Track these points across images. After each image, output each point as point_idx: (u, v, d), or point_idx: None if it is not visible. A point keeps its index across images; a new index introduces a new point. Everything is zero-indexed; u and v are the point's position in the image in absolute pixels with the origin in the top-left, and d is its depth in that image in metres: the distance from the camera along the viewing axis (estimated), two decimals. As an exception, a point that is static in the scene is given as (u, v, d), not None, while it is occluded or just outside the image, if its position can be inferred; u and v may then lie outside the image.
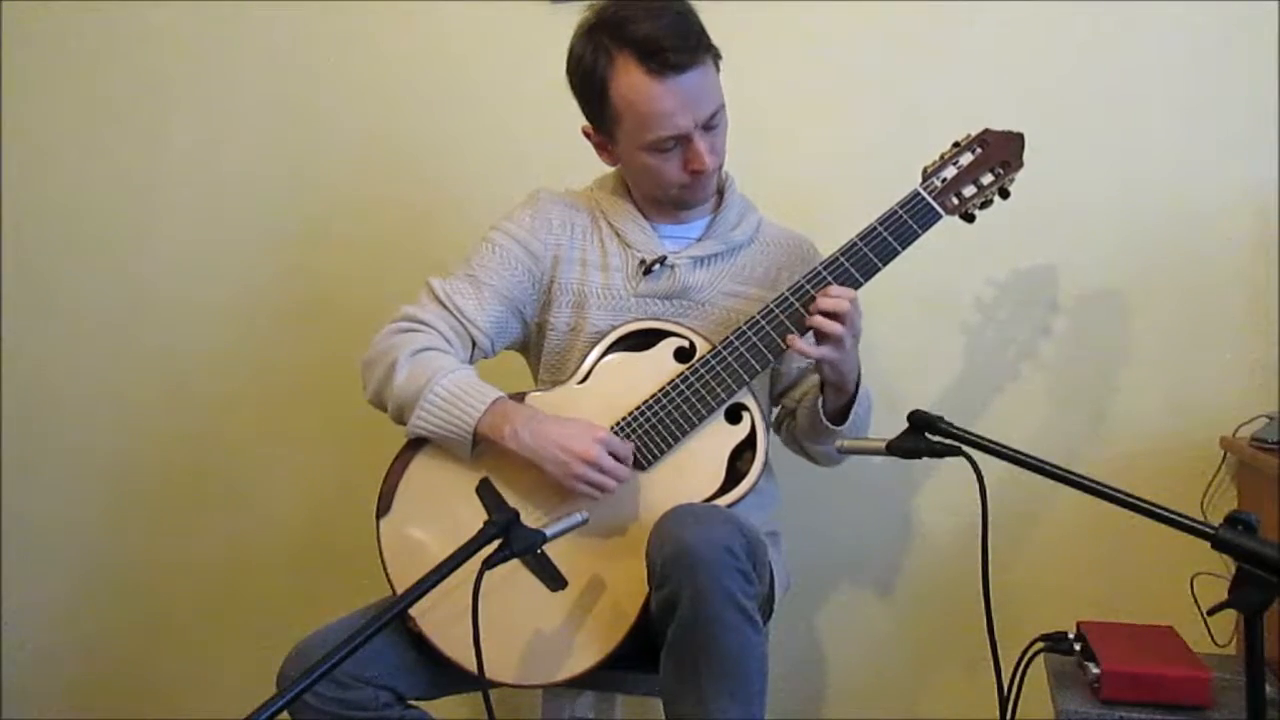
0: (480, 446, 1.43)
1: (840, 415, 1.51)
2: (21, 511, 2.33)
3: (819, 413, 1.52)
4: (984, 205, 1.50)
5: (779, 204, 1.68)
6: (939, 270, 1.83)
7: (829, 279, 1.44)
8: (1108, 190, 1.82)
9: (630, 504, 1.42)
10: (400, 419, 1.46)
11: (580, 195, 1.62)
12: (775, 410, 1.68)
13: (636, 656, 1.37)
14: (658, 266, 1.53)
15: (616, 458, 1.39)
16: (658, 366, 1.46)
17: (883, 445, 1.24)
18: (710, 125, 1.45)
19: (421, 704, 1.46)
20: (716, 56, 1.46)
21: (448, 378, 1.42)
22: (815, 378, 1.58)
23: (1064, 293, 1.85)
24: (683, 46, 1.40)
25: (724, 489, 1.42)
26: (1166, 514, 1.04)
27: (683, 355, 1.46)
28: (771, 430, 1.63)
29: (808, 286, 1.44)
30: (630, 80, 1.41)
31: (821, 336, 1.41)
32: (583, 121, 1.53)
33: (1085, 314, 1.84)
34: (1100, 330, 1.84)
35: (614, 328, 1.50)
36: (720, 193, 1.62)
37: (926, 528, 1.92)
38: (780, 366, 1.62)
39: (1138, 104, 1.81)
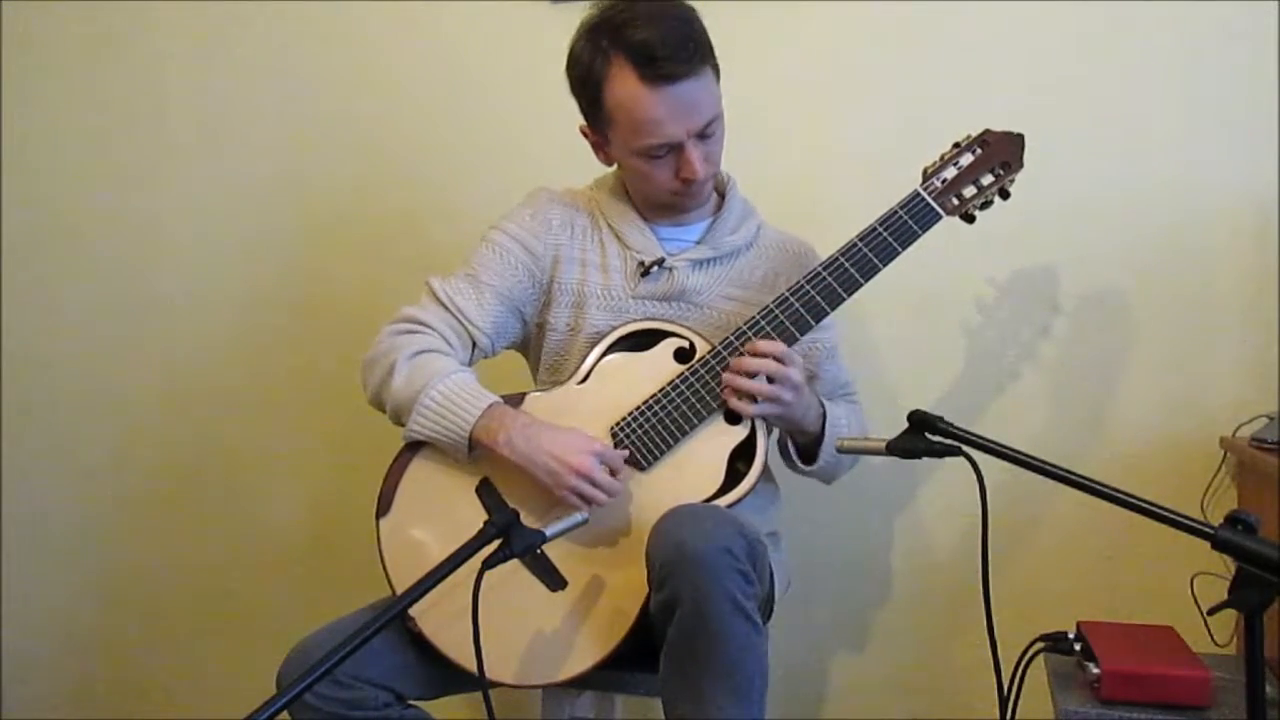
0: (478, 449, 1.43)
1: (809, 454, 1.53)
2: (21, 511, 2.33)
3: (790, 453, 1.55)
4: (984, 206, 1.50)
5: (779, 204, 1.68)
6: (939, 271, 1.83)
7: (829, 280, 1.44)
8: (1108, 191, 1.82)
9: (630, 504, 1.42)
10: (398, 421, 1.46)
11: (580, 195, 1.62)
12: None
13: (636, 656, 1.37)
14: (656, 269, 1.53)
15: (610, 468, 1.39)
16: (657, 367, 1.46)
17: (883, 445, 1.24)
18: (705, 134, 1.44)
19: (421, 704, 1.46)
20: (715, 66, 1.45)
21: (444, 382, 1.42)
22: (814, 389, 1.58)
23: (1064, 293, 1.85)
24: (679, 56, 1.39)
25: (724, 489, 1.41)
26: (1166, 514, 1.04)
27: (682, 356, 1.46)
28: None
29: (808, 287, 1.44)
30: (624, 86, 1.41)
31: (769, 399, 1.41)
32: (581, 120, 1.53)
33: (1085, 314, 1.84)
34: (1100, 331, 1.84)
35: (614, 328, 1.50)
36: (721, 195, 1.62)
37: (926, 528, 1.92)
38: None
39: (1138, 104, 1.81)
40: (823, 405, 1.51)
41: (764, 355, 1.40)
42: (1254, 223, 1.76)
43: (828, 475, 1.60)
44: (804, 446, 1.54)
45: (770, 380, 1.40)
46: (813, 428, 1.50)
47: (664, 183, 1.48)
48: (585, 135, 1.54)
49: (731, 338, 1.44)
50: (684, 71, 1.39)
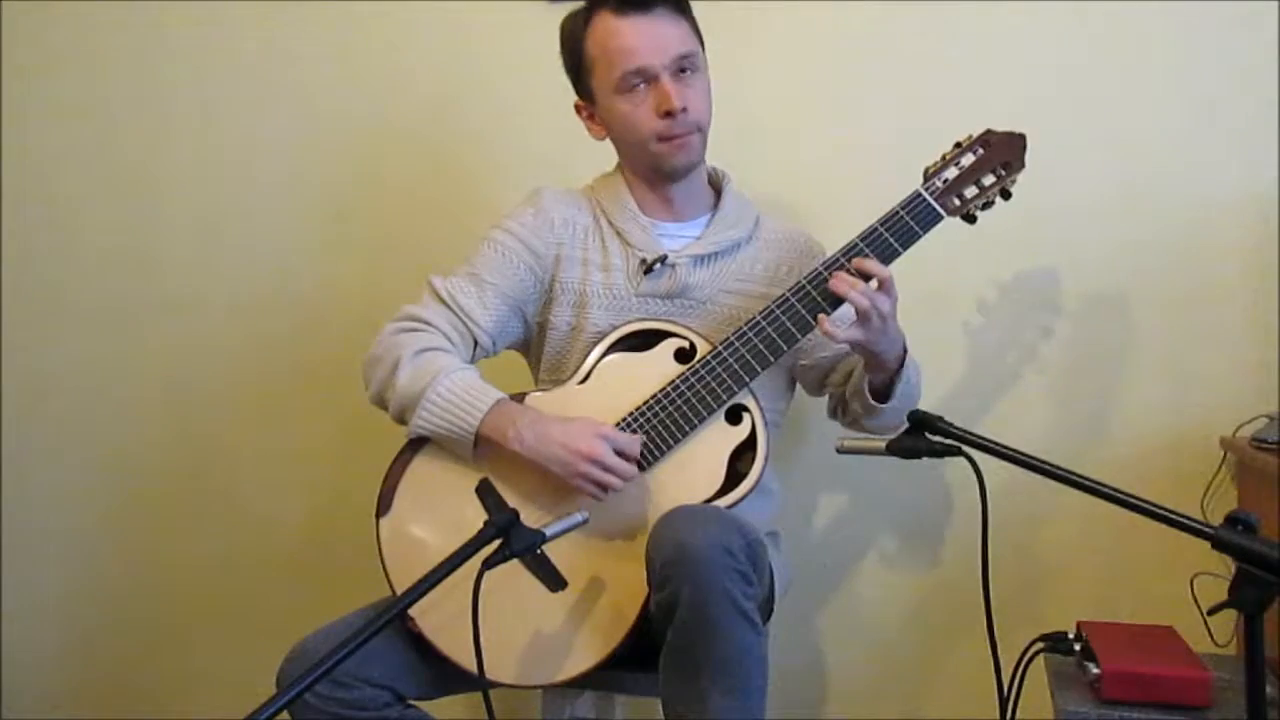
0: (481, 447, 1.43)
1: (884, 392, 1.51)
2: (21, 511, 2.33)
3: (864, 391, 1.51)
4: (985, 206, 1.50)
5: (780, 204, 1.68)
6: (940, 271, 1.83)
7: (829, 279, 1.44)
8: (1109, 191, 1.82)
9: (630, 505, 1.42)
10: (402, 419, 1.46)
11: (581, 194, 1.62)
12: (824, 399, 1.68)
13: (636, 656, 1.37)
14: (659, 266, 1.53)
15: (622, 453, 1.39)
16: (658, 367, 1.46)
17: (883, 445, 1.25)
18: (681, 70, 1.49)
19: (421, 704, 1.46)
20: (693, 20, 1.52)
21: (450, 378, 1.42)
22: (848, 364, 1.59)
23: (1065, 294, 1.85)
24: None
25: (724, 490, 1.41)
26: (1166, 514, 1.04)
27: (683, 356, 1.46)
28: (776, 430, 1.61)
29: (808, 287, 1.44)
30: (603, 24, 1.49)
31: (860, 317, 1.39)
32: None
33: (1086, 315, 1.84)
34: (1101, 331, 1.84)
35: (615, 328, 1.50)
36: (717, 191, 1.62)
37: (926, 528, 1.92)
38: (807, 360, 1.62)
39: (1139, 104, 1.81)
40: (905, 344, 1.49)
41: (868, 275, 1.40)
42: (1254, 223, 1.76)
43: (896, 418, 1.54)
44: (877, 387, 1.51)
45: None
46: (892, 365, 1.48)
47: (646, 123, 1.49)
48: (578, 112, 1.58)
49: (732, 338, 1.44)
50: (652, 1, 1.47)
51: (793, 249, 1.61)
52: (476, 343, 1.52)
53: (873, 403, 1.51)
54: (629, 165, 1.59)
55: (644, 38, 1.47)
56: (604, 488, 1.38)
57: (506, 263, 1.53)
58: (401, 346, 1.46)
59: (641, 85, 1.48)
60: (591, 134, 1.59)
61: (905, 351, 1.49)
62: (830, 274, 1.42)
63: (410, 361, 1.44)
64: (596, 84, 1.52)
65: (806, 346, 1.58)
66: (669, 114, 1.47)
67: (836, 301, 1.43)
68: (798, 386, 1.68)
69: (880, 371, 1.49)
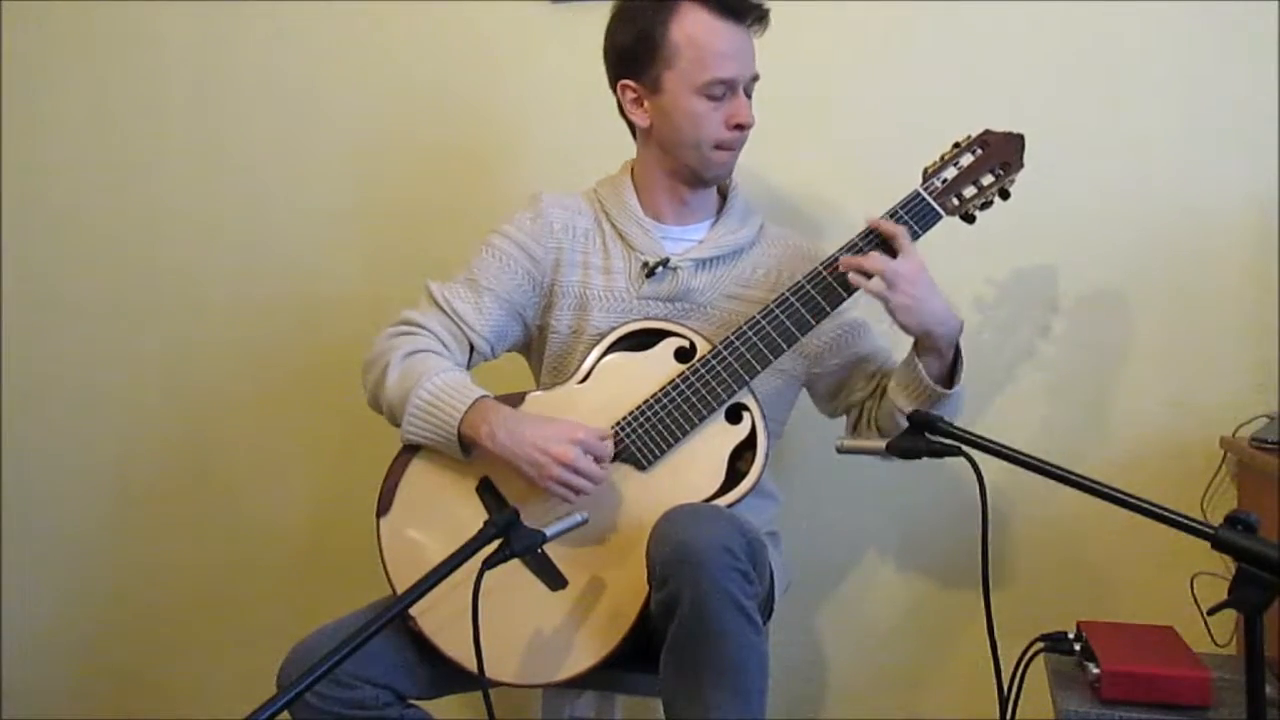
0: (476, 450, 1.42)
1: (943, 379, 1.46)
2: (21, 512, 2.33)
3: (921, 375, 1.45)
4: (984, 206, 1.50)
5: (780, 205, 1.68)
6: (939, 271, 1.80)
7: (829, 279, 1.44)
8: (1108, 191, 1.82)
9: (630, 504, 1.42)
10: (395, 422, 1.46)
11: (583, 196, 1.62)
12: (845, 419, 1.65)
13: (636, 656, 1.38)
14: (660, 269, 1.53)
15: (595, 456, 1.39)
16: (658, 366, 1.46)
17: (883, 445, 1.24)
18: (749, 91, 1.50)
19: (421, 703, 1.46)
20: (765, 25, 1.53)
21: (432, 381, 1.42)
22: (866, 369, 1.59)
23: (1064, 293, 1.85)
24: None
25: (724, 489, 1.41)
26: (1166, 514, 1.04)
27: (683, 355, 1.46)
28: (776, 440, 1.60)
29: (808, 286, 1.44)
30: (696, 18, 1.46)
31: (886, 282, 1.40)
32: (614, 95, 1.54)
33: (1085, 314, 1.84)
34: (1100, 330, 1.84)
35: (614, 328, 1.50)
36: (723, 195, 1.62)
37: (926, 528, 1.92)
38: (818, 368, 1.61)
39: (1138, 104, 1.81)
40: (960, 329, 1.46)
41: (881, 233, 1.43)
42: (1254, 223, 1.76)
43: (956, 407, 1.52)
44: (937, 374, 1.46)
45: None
46: (943, 343, 1.44)
47: (712, 130, 1.49)
48: (624, 90, 1.53)
49: (732, 338, 1.44)
50: (751, 14, 1.48)
51: (796, 255, 1.60)
52: (473, 347, 1.52)
53: (937, 388, 1.44)
54: (656, 163, 1.56)
55: (738, 47, 1.47)
56: (574, 491, 1.37)
57: (504, 268, 1.53)
58: (393, 349, 1.47)
59: (724, 93, 1.48)
60: (631, 115, 1.54)
61: (962, 323, 1.46)
62: (826, 270, 1.43)
63: (399, 364, 1.45)
64: (672, 74, 1.47)
65: (815, 353, 1.58)
66: (739, 127, 1.49)
67: (837, 300, 1.44)
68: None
69: (934, 355, 1.45)
